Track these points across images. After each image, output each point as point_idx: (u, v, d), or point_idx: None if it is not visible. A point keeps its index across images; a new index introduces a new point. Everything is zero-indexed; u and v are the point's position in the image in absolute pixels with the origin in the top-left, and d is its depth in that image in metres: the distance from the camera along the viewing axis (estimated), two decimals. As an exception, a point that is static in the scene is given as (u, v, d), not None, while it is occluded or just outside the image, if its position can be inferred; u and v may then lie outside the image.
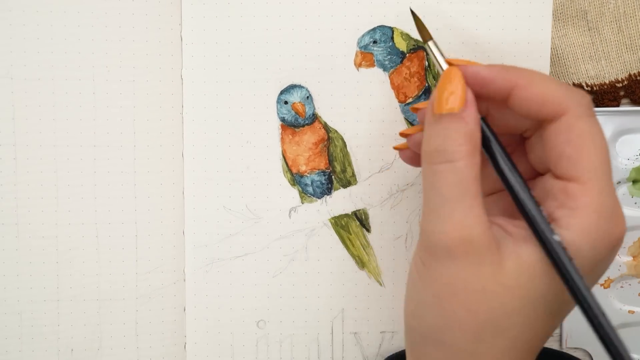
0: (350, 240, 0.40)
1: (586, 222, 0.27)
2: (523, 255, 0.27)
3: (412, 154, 0.34)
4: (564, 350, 0.42)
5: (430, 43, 0.32)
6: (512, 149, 0.33)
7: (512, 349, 0.28)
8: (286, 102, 0.39)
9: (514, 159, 0.31)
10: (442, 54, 0.31)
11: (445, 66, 0.31)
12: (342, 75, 0.39)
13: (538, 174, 0.31)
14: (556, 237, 0.27)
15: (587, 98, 0.29)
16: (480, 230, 0.27)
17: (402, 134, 0.34)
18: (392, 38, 0.39)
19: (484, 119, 0.30)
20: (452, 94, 0.29)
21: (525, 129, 0.31)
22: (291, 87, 0.39)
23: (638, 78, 0.40)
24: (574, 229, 0.27)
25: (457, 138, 0.28)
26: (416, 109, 0.33)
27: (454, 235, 0.27)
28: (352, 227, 0.40)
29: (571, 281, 0.26)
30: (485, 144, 0.29)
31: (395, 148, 0.36)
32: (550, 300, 0.28)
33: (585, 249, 0.27)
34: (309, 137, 0.39)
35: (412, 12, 0.35)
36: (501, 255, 0.27)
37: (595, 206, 0.27)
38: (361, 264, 0.40)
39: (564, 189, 0.28)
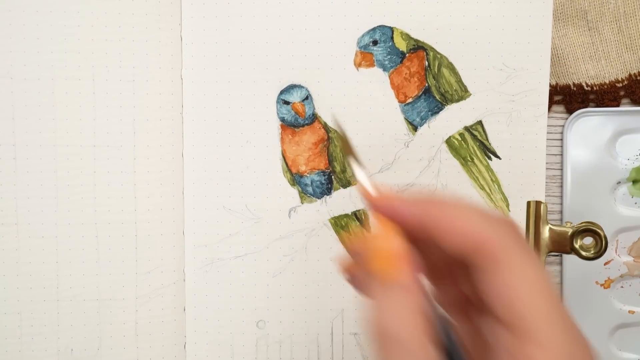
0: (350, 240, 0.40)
1: None
2: None
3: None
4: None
5: (358, 172, 0.27)
6: (442, 275, 0.29)
7: None
8: (286, 102, 0.39)
9: (446, 286, 0.28)
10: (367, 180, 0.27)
11: (370, 191, 0.27)
12: (342, 75, 0.39)
13: (470, 303, 0.27)
14: None
15: (514, 227, 0.25)
16: None
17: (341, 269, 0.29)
18: (392, 38, 0.39)
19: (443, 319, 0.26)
20: (392, 258, 0.25)
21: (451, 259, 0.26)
22: (291, 87, 0.39)
23: (638, 78, 0.40)
24: None
25: (408, 317, 0.24)
26: (348, 271, 0.28)
27: None
28: (352, 227, 0.40)
29: None
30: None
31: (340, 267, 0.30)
32: None
33: None
34: (309, 137, 0.39)
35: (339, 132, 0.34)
36: None
37: None
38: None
39: (506, 346, 0.24)
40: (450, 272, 0.28)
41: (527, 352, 0.23)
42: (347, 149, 0.29)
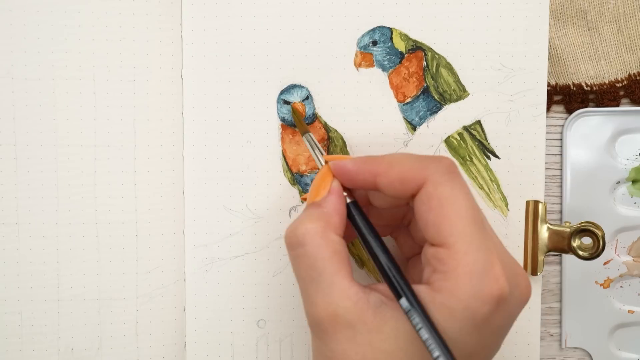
0: (349, 239, 0.40)
1: (455, 283, 0.28)
2: (401, 319, 0.28)
3: None
4: (564, 350, 0.42)
5: (307, 136, 0.36)
6: (402, 228, 0.35)
7: None
8: (286, 102, 0.39)
9: (403, 237, 0.35)
10: (319, 148, 0.35)
11: (321, 159, 0.34)
12: (342, 75, 0.39)
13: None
14: (407, 295, 0.28)
15: (445, 163, 0.30)
16: (348, 303, 0.28)
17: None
18: (391, 38, 0.39)
19: (354, 202, 0.32)
20: (324, 188, 0.32)
21: (400, 204, 0.33)
22: (291, 87, 0.39)
23: (638, 78, 0.40)
24: (444, 291, 0.28)
25: (307, 222, 0.30)
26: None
27: (320, 315, 0.29)
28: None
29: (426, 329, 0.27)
30: (355, 223, 0.32)
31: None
32: None
33: (458, 309, 0.27)
34: (309, 137, 0.40)
35: (292, 109, 0.39)
36: (379, 321, 0.28)
37: (462, 268, 0.28)
38: (360, 262, 0.40)
39: (435, 255, 0.29)
40: (398, 225, 0.35)
41: (446, 257, 0.28)
42: (302, 126, 0.37)
